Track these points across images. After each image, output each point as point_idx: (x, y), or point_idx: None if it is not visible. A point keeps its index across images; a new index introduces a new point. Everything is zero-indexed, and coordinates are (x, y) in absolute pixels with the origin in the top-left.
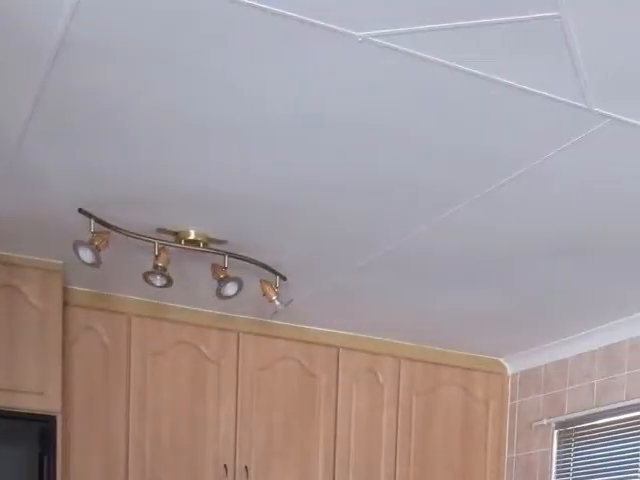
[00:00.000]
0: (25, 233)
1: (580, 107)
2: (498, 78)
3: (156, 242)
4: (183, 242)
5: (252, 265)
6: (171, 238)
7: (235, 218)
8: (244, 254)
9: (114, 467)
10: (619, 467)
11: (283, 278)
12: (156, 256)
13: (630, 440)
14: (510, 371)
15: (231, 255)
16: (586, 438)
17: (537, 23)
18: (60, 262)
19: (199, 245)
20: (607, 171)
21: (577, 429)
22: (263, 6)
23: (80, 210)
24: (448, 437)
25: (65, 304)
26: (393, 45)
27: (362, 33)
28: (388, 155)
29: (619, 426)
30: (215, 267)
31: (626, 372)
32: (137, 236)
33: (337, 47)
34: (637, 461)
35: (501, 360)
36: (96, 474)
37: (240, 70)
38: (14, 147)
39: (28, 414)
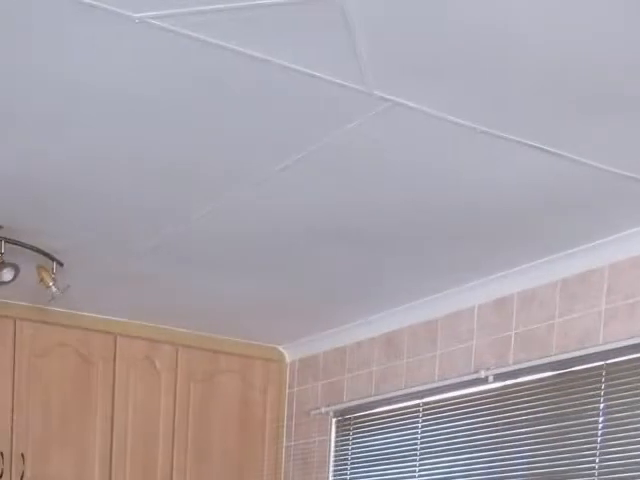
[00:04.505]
0: None
1: (360, 90)
2: (276, 60)
3: None
4: None
5: (29, 251)
6: None
7: (10, 202)
8: (21, 239)
9: None
10: (397, 456)
11: (60, 264)
12: None
13: (408, 429)
14: (288, 359)
15: (7, 240)
16: (365, 426)
17: (317, 4)
18: None
19: None
20: (386, 155)
21: (356, 417)
22: None
23: None
24: (226, 425)
25: None
26: (171, 27)
27: (139, 14)
28: (167, 138)
29: (398, 414)
30: None
31: (405, 360)
32: None
33: (116, 29)
34: (415, 450)
35: (279, 348)
36: None
37: (24, 52)
38: None
39: None
